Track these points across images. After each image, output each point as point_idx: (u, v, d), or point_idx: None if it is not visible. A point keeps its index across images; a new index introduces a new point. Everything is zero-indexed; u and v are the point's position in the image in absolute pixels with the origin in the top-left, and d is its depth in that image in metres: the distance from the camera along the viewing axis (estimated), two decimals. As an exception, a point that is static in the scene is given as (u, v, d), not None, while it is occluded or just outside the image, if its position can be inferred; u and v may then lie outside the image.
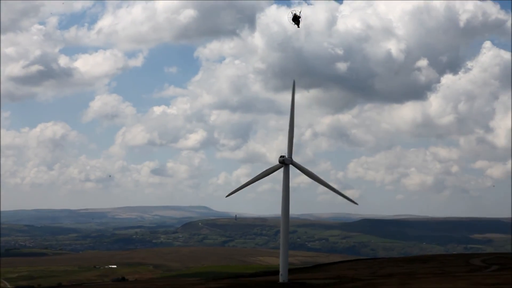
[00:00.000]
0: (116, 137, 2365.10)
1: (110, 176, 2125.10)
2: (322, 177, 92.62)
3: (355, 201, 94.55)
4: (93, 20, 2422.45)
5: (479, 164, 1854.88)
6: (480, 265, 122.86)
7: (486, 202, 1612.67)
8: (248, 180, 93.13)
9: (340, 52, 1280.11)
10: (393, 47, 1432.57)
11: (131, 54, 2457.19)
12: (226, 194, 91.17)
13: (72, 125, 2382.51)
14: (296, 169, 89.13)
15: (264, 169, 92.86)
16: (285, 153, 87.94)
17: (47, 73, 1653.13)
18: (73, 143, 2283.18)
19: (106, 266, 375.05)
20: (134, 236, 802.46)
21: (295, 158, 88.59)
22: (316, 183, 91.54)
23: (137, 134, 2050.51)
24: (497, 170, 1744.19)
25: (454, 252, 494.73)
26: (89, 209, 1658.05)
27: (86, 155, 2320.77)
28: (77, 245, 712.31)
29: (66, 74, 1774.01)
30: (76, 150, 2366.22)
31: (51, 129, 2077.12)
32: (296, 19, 78.51)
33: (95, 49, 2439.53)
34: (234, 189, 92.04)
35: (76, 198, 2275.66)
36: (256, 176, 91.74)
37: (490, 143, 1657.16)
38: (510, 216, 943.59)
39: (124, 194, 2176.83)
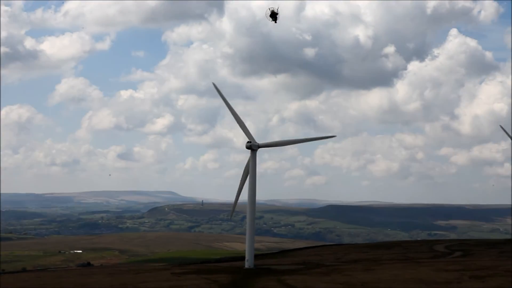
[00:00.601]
0: (83, 121, 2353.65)
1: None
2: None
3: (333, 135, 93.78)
4: (60, 2, 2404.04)
5: (444, 151, 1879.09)
6: (444, 251, 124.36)
7: (450, 189, 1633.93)
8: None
9: (308, 37, 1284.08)
10: (361, 33, 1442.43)
11: (98, 37, 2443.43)
12: (261, 144, 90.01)
13: (38, 108, 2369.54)
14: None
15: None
16: (250, 138, 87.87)
17: (13, 55, 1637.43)
18: (38, 126, 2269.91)
19: (71, 251, 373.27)
20: (100, 221, 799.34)
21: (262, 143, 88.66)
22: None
23: (104, 118, 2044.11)
24: (461, 157, 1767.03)
25: (418, 239, 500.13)
26: (55, 194, 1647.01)
27: (52, 139, 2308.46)
28: (42, 230, 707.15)
29: (32, 56, 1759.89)
30: (42, 133, 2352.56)
31: (16, 112, 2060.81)
32: (273, 15, 79.24)
33: (62, 31, 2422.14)
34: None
35: (42, 182, 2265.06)
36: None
37: (455, 130, 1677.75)
38: (473, 203, 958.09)
39: (90, 179, 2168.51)
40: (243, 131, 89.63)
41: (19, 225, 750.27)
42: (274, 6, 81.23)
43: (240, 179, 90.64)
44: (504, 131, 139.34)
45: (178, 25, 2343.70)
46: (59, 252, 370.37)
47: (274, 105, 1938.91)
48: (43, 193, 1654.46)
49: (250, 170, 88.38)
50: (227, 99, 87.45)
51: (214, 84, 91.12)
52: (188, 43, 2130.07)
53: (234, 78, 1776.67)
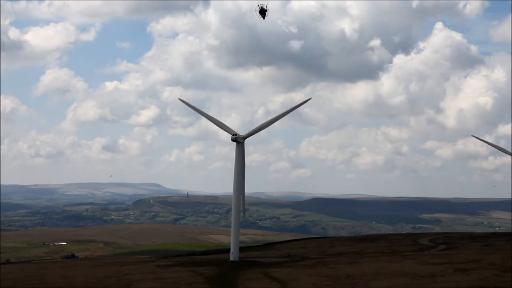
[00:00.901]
0: (67, 112, 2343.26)
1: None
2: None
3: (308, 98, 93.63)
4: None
5: (429, 144, 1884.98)
6: (428, 245, 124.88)
7: (435, 182, 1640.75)
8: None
9: (294, 30, 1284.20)
10: (347, 26, 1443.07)
11: (83, 28, 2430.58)
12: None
13: (22, 99, 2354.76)
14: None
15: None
16: (238, 131, 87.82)
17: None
18: (23, 117, 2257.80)
19: (56, 243, 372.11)
20: (85, 213, 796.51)
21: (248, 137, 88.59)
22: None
23: (89, 110, 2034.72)
24: (446, 151, 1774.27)
25: (402, 232, 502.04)
26: (39, 185, 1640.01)
27: (36, 130, 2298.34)
28: (26, 222, 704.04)
29: (16, 47, 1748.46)
30: (26, 124, 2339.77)
31: (0, 103, 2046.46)
32: (263, 12, 79.92)
33: (47, 22, 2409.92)
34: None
35: (26, 174, 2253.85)
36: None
37: (440, 123, 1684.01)
38: (457, 196, 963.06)
39: (74, 170, 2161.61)
40: (223, 128, 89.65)
41: (3, 217, 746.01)
42: (264, 2, 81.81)
43: (229, 172, 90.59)
44: (500, 149, 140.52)
45: (164, 16, 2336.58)
46: (44, 244, 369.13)
47: (260, 98, 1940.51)
48: (27, 184, 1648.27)
49: (236, 162, 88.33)
50: (213, 91, 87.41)
51: (181, 99, 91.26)
52: (174, 35, 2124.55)
53: (220, 70, 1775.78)
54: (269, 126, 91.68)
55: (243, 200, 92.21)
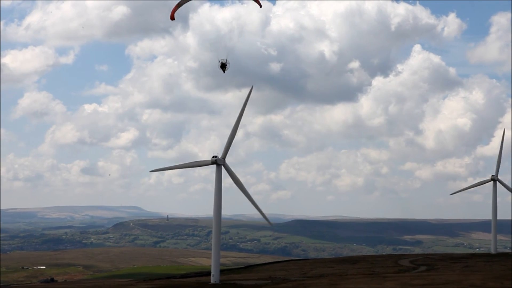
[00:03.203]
0: (46, 135, 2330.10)
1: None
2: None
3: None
4: (22, 16, 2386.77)
5: (408, 165, 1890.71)
6: (408, 266, 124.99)
7: (415, 203, 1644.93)
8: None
9: (273, 52, 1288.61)
10: (326, 48, 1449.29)
11: (62, 51, 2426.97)
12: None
13: (0, 122, 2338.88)
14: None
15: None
16: (217, 153, 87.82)
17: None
18: (1, 141, 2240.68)
19: (35, 267, 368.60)
20: (64, 236, 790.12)
21: (228, 159, 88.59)
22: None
23: (67, 133, 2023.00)
24: (425, 172, 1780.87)
25: (383, 253, 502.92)
26: (17, 209, 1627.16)
27: (15, 153, 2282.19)
28: (4, 246, 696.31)
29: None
30: (4, 148, 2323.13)
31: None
32: (223, 66, 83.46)
33: (25, 45, 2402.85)
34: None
35: (4, 197, 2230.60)
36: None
37: (419, 145, 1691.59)
38: (437, 218, 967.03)
39: (53, 194, 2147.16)
40: (227, 144, 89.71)
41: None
42: (224, 57, 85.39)
43: (209, 195, 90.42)
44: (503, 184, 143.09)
45: (142, 39, 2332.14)
46: (22, 268, 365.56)
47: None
48: (5, 208, 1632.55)
49: (215, 185, 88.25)
50: (192, 113, 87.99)
51: (152, 171, 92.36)
52: (152, 57, 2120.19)
53: (199, 93, 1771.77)
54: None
55: (259, 210, 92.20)
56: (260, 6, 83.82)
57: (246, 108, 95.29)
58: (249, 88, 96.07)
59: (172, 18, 79.43)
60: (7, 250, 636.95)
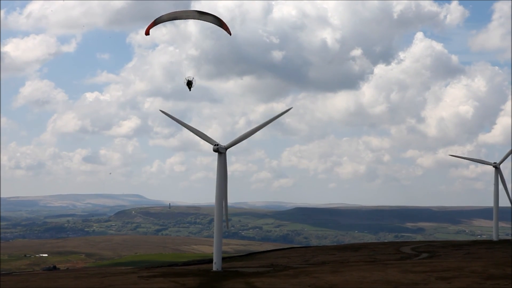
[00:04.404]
0: (48, 124, 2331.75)
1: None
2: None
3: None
4: (23, 4, 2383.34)
5: (410, 153, 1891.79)
6: (410, 253, 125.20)
7: (417, 191, 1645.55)
8: (185, 123, 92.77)
9: (275, 40, 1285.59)
10: (328, 36, 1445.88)
11: (63, 40, 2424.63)
12: (160, 109, 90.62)
13: (2, 111, 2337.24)
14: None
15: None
16: (219, 141, 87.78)
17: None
18: (2, 129, 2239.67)
19: (37, 255, 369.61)
20: (66, 225, 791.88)
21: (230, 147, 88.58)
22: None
23: (69, 121, 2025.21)
24: (427, 160, 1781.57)
25: (385, 241, 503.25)
26: (20, 197, 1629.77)
27: (16, 142, 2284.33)
28: (7, 234, 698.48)
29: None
30: (6, 136, 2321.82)
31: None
32: (189, 84, 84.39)
33: (26, 33, 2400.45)
34: (170, 115, 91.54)
35: (6, 186, 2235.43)
36: (193, 128, 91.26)
37: (421, 132, 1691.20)
38: (439, 205, 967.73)
39: (55, 182, 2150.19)
40: (205, 139, 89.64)
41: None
42: (191, 75, 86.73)
43: (211, 182, 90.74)
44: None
45: (143, 27, 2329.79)
46: (25, 256, 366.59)
47: (240, 108, 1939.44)
48: (7, 196, 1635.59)
49: (217, 173, 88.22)
50: (194, 101, 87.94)
51: (161, 111, 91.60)
52: (153, 46, 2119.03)
53: (200, 81, 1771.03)
54: (250, 136, 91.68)
55: (226, 210, 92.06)
56: (230, 34, 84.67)
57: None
58: (254, 77, 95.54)
59: (147, 33, 79.87)
60: (9, 238, 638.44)
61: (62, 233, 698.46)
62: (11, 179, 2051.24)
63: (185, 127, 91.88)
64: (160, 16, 79.99)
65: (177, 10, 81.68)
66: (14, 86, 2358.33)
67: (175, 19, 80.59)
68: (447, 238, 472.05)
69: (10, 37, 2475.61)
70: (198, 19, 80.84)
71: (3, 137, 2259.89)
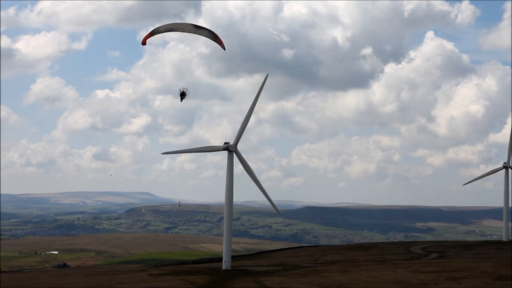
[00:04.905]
0: (58, 121, 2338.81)
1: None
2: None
3: (279, 211, 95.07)
4: (34, 1, 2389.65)
5: (420, 152, 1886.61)
6: (420, 253, 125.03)
7: (427, 190, 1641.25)
8: (189, 148, 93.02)
9: (285, 38, 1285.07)
10: (339, 34, 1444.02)
11: (74, 37, 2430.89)
12: (163, 152, 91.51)
13: (13, 108, 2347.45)
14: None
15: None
16: (229, 139, 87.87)
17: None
18: (13, 126, 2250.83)
19: (47, 252, 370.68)
20: (76, 222, 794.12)
21: (240, 145, 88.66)
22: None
23: (80, 118, 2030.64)
24: (437, 159, 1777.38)
25: (394, 240, 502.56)
26: (30, 194, 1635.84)
27: (27, 139, 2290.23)
28: (17, 231, 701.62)
29: (7, 55, 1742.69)
30: (17, 133, 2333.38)
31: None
32: (183, 95, 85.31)
33: (38, 30, 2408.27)
34: (173, 150, 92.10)
35: (17, 183, 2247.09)
36: (198, 148, 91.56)
37: (431, 132, 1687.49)
38: (449, 205, 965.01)
39: (66, 179, 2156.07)
40: (239, 131, 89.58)
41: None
42: (185, 87, 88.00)
43: (221, 181, 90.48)
44: None
45: (153, 25, 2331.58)
46: (35, 253, 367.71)
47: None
48: (18, 193, 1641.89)
49: (227, 171, 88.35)
50: (204, 100, 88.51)
51: (164, 153, 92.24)
52: (163, 43, 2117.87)
53: (210, 79, 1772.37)
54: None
55: (268, 199, 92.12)
56: (224, 49, 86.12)
57: (253, 94, 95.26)
58: (264, 75, 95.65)
59: (144, 43, 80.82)
60: (20, 235, 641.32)
61: (72, 230, 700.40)
62: (22, 176, 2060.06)
63: (192, 151, 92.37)
64: (157, 27, 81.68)
65: (176, 22, 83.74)
66: (25, 83, 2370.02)
67: (171, 31, 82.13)
68: (457, 238, 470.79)
69: (21, 34, 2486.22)
70: (194, 32, 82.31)
71: (13, 133, 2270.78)
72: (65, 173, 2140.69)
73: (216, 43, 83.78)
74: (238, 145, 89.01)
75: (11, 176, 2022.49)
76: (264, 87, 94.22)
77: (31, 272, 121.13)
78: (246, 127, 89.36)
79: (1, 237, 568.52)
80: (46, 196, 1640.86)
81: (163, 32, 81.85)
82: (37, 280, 79.34)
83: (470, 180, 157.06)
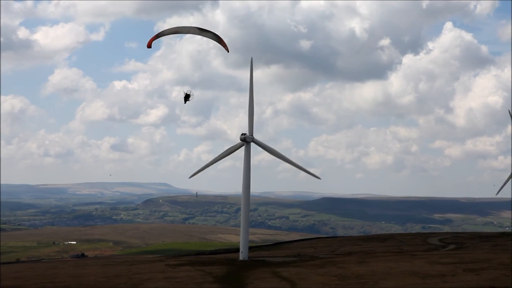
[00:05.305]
0: (76, 112, 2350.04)
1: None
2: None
3: (318, 176, 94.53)
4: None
5: (438, 143, 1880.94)
6: (438, 244, 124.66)
7: (444, 182, 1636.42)
8: (210, 160, 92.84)
9: (302, 29, 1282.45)
10: (357, 26, 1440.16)
11: (92, 28, 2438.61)
12: (189, 176, 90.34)
13: (31, 99, 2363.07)
14: (257, 146, 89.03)
15: (225, 147, 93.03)
16: (246, 130, 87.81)
17: (6, 44, 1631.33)
18: (32, 117, 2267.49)
19: (66, 242, 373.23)
20: (94, 212, 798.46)
21: (256, 136, 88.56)
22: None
23: (97, 109, 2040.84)
24: (455, 150, 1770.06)
25: (412, 231, 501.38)
26: (48, 185, 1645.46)
27: (46, 130, 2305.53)
28: (36, 221, 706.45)
29: (25, 46, 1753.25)
30: (35, 124, 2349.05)
31: (9, 102, 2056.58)
32: (187, 97, 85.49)
33: (56, 22, 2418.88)
34: (197, 170, 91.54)
35: (35, 173, 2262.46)
36: (218, 156, 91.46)
37: (449, 123, 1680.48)
38: (467, 196, 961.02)
39: (84, 170, 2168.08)
40: (249, 121, 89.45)
41: (13, 216, 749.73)
42: (189, 89, 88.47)
43: (238, 172, 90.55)
44: None
45: (170, 16, 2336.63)
46: (53, 243, 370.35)
47: (268, 97, 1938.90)
48: (37, 184, 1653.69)
49: (244, 163, 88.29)
50: (221, 91, 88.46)
51: (251, 59, 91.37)
52: (180, 35, 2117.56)
53: (228, 70, 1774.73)
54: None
55: (303, 169, 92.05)
56: (228, 51, 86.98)
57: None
58: (281, 66, 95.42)
59: (149, 46, 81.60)
60: (38, 225, 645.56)
61: (90, 221, 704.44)
62: (40, 167, 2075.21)
63: (214, 162, 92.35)
64: (162, 31, 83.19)
65: (179, 26, 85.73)
66: (43, 74, 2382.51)
67: (176, 33, 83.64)
68: (475, 230, 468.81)
69: (40, 25, 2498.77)
70: (198, 34, 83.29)
71: (32, 124, 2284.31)
72: (83, 164, 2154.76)
73: (215, 42, 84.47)
74: (256, 137, 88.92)
75: (29, 166, 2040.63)
76: (281, 78, 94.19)
77: (50, 262, 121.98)
78: (263, 118, 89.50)
79: (21, 227, 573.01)
80: (64, 187, 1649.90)
81: (168, 35, 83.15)
82: (56, 270, 79.80)
83: (500, 187, 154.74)
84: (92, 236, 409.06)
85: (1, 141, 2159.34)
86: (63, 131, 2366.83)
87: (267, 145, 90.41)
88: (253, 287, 60.67)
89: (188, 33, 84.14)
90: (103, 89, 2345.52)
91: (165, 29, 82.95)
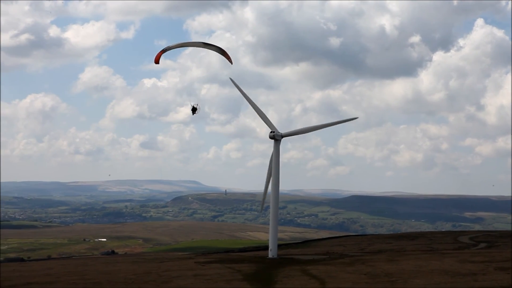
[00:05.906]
0: (106, 110, 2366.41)
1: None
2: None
3: (355, 117, 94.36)
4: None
5: (469, 141, 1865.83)
6: (468, 243, 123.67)
7: (475, 180, 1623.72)
8: (312, 126, 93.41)
9: (332, 26, 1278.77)
10: (387, 23, 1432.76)
11: (122, 26, 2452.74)
12: (284, 133, 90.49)
13: (62, 97, 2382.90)
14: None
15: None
16: (273, 129, 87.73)
17: (37, 43, 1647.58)
18: (63, 115, 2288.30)
19: (96, 239, 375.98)
20: (124, 210, 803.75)
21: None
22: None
23: (127, 107, 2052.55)
24: (486, 148, 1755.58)
25: (442, 230, 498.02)
26: (79, 182, 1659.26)
27: (76, 127, 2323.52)
28: (66, 218, 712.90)
29: (56, 44, 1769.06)
30: (66, 122, 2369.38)
31: (40, 100, 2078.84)
32: (194, 110, 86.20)
33: (86, 20, 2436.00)
34: (291, 131, 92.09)
35: (66, 171, 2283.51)
36: (326, 124, 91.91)
37: (480, 120, 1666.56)
38: (498, 194, 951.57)
39: (113, 167, 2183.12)
40: (265, 122, 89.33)
41: (44, 213, 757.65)
42: (197, 103, 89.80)
43: (266, 169, 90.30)
44: None
45: (200, 14, 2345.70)
46: (84, 240, 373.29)
47: (297, 95, 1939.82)
48: (67, 181, 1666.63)
49: (273, 160, 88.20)
50: (250, 88, 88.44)
51: (231, 79, 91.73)
52: (210, 32, 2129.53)
53: (257, 67, 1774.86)
54: (306, 123, 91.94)
55: (264, 195, 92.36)
56: (231, 63, 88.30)
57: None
58: (309, 64, 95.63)
59: (157, 62, 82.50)
60: (69, 222, 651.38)
61: (120, 218, 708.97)
62: (71, 164, 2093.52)
63: (249, 102, 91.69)
64: (169, 46, 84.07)
65: (186, 42, 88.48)
66: (74, 72, 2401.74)
67: (182, 47, 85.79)
68: (506, 228, 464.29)
69: (70, 23, 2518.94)
70: (203, 47, 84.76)
71: (62, 122, 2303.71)
72: (113, 162, 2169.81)
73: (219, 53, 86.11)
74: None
75: (60, 164, 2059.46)
76: (310, 75, 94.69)
77: (80, 259, 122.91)
78: (292, 116, 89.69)
79: (51, 224, 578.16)
80: (94, 184, 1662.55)
81: (174, 49, 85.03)
82: (86, 267, 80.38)
83: None
84: (122, 234, 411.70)
85: (32, 139, 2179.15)
86: (93, 128, 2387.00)
87: (296, 130, 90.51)
88: (282, 285, 60.67)
89: (193, 47, 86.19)
90: (132, 87, 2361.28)
91: (172, 44, 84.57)
